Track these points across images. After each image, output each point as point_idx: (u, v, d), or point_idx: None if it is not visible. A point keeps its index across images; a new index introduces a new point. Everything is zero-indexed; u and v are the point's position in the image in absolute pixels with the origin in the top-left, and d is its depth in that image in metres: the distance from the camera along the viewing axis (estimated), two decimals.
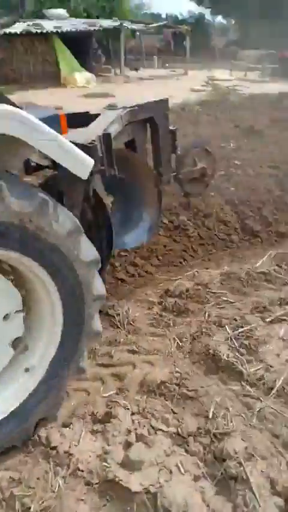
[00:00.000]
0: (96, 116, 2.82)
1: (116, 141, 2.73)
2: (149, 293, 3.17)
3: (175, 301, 2.97)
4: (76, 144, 2.06)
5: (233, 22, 36.51)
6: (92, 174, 1.98)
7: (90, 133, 2.42)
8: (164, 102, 3.40)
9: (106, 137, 2.44)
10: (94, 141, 2.28)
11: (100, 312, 2.88)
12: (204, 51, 28.17)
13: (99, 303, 1.97)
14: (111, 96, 12.60)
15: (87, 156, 1.83)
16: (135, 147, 3.29)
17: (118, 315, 2.80)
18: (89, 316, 1.91)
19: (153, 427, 2.04)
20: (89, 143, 2.24)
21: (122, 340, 2.62)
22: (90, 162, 1.84)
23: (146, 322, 2.80)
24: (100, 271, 1.95)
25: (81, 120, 2.84)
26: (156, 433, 2.02)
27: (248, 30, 29.65)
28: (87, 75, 16.05)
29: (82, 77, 15.78)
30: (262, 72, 19.69)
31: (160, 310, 2.93)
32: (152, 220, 3.55)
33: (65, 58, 16.65)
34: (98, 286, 1.90)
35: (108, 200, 2.89)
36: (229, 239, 4.32)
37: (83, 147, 2.15)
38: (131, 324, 2.76)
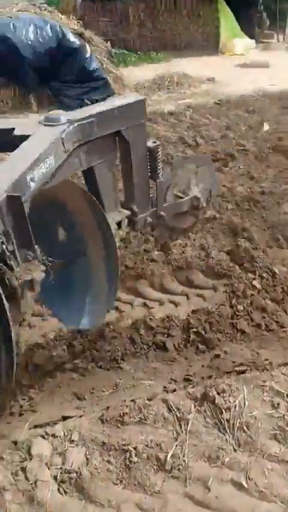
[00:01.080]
0: (24, 138, 1.62)
1: (56, 178, 1.63)
2: (275, 374, 2.14)
3: None
4: None
5: None
6: None
7: None
8: (137, 105, 2.04)
9: (13, 203, 1.36)
10: None
11: (204, 396, 2.02)
12: None
13: None
14: (268, 66, 10.72)
15: None
16: (95, 179, 2.02)
17: (228, 409, 1.88)
18: None
19: None
20: None
21: (227, 459, 1.71)
22: None
23: (266, 430, 1.83)
24: None
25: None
26: None
27: None
28: (248, 41, 13.98)
29: (242, 43, 13.78)
30: None
31: None
32: (103, 293, 2.25)
33: (227, 22, 14.68)
34: None
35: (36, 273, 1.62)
36: None
37: None
38: (243, 429, 1.82)
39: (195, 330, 2.54)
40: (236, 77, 9.42)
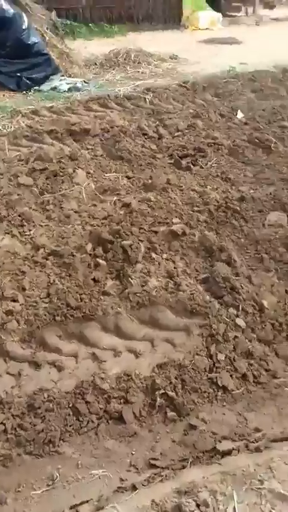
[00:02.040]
0: None
1: None
2: (273, 458, 1.76)
3: None
4: None
5: None
6: None
7: None
8: None
9: None
10: None
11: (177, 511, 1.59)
12: None
13: None
14: (237, 42, 10.53)
15: None
16: None
17: None
18: None
19: None
20: None
21: None
22: None
23: None
24: None
25: None
26: None
27: None
28: (213, 15, 13.77)
29: (206, 17, 13.55)
30: None
31: None
32: None
33: None
34: None
35: None
36: None
37: None
38: None
39: (162, 391, 2.12)
40: (202, 55, 9.13)
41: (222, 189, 3.62)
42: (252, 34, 11.79)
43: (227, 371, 2.25)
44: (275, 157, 4.23)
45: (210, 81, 6.74)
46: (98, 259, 2.82)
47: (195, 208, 3.33)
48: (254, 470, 1.68)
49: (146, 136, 4.68)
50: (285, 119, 5.10)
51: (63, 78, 7.23)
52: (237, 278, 2.65)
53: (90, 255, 2.87)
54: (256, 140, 4.48)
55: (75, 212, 3.39)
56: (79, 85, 6.90)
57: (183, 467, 1.86)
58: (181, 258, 2.87)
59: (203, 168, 4.04)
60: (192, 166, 4.04)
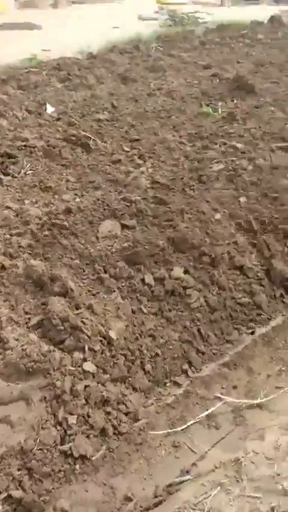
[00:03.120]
0: None
1: None
2: None
3: None
4: None
5: None
6: None
7: None
8: None
9: None
10: None
11: None
12: None
13: None
14: (35, 27, 9.94)
15: None
16: None
17: None
18: None
19: None
20: None
21: None
22: None
23: None
24: None
25: None
26: None
27: None
28: None
29: None
30: None
31: None
32: None
33: None
34: None
35: None
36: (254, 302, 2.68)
37: None
38: None
39: (5, 494, 1.66)
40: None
41: (43, 201, 3.18)
42: (51, 18, 11.29)
43: (82, 433, 1.89)
44: (97, 156, 3.92)
45: (10, 72, 6.10)
46: None
47: (14, 231, 2.82)
48: None
49: None
50: (100, 110, 4.83)
51: None
52: (77, 312, 2.27)
53: None
54: (72, 138, 4.10)
55: None
56: None
57: None
58: (5, 300, 2.37)
59: (16, 177, 3.51)
60: (2, 176, 3.49)
